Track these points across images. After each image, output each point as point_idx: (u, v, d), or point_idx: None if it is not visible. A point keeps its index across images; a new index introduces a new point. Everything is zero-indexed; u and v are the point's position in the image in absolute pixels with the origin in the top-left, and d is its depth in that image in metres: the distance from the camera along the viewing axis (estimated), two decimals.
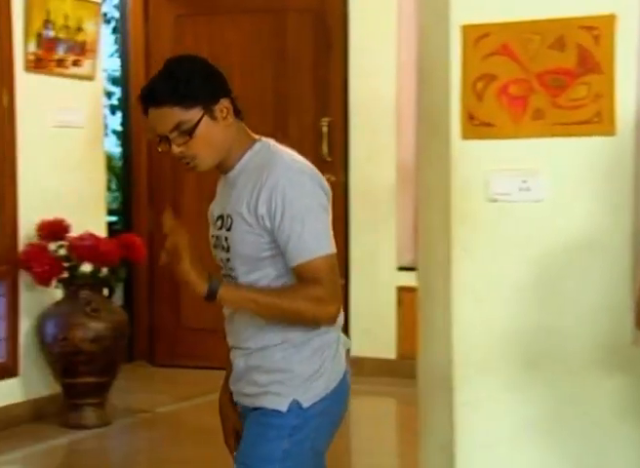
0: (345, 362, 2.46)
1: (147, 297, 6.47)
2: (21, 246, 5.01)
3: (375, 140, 5.86)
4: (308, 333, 2.36)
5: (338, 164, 6.02)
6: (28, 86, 4.98)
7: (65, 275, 4.97)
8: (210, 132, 2.35)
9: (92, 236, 4.96)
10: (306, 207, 2.31)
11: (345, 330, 6.18)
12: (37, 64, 5.05)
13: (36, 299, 5.05)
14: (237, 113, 2.41)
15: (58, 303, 5.03)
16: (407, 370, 5.49)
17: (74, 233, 4.99)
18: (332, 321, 2.36)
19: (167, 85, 2.34)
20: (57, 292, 5.04)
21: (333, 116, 6.02)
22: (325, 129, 6.00)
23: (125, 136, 6.69)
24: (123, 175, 6.79)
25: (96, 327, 4.90)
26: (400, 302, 5.78)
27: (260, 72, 6.09)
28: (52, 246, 4.96)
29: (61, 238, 4.99)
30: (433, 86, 2.99)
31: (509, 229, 2.87)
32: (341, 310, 2.41)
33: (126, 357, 5.53)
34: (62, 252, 4.96)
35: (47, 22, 5.06)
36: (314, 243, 2.32)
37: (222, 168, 2.43)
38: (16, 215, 5.01)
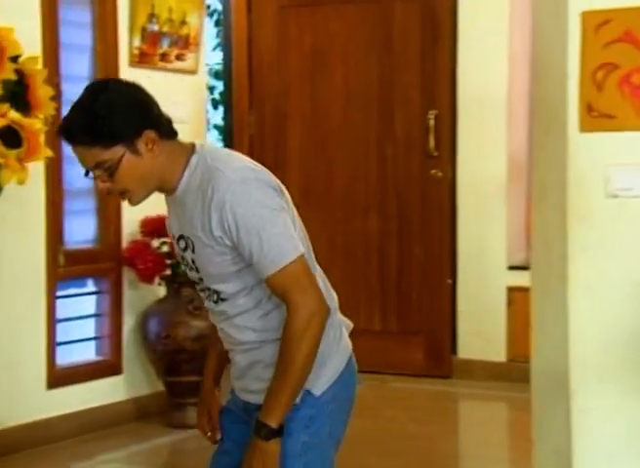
0: (349, 343, 2.43)
1: None
2: (125, 243, 5.10)
3: (484, 134, 5.79)
4: None
5: (445, 158, 5.95)
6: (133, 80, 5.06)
7: (168, 272, 5.05)
8: (134, 167, 2.28)
9: None
10: (258, 217, 2.26)
11: (453, 330, 6.18)
12: (141, 59, 5.13)
13: (139, 297, 5.14)
14: (169, 134, 2.34)
15: (160, 301, 5.12)
16: (518, 374, 5.45)
17: None
18: (325, 313, 2.29)
19: (83, 123, 2.27)
20: (159, 290, 5.12)
21: (440, 109, 5.94)
22: (432, 122, 5.93)
23: (226, 131, 6.75)
24: None
25: (198, 325, 4.95)
26: (510, 303, 5.70)
27: (364, 63, 6.08)
28: (155, 243, 5.04)
29: (164, 235, 5.07)
30: (549, 76, 2.93)
31: (631, 226, 2.80)
32: (332, 291, 2.42)
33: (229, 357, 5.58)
34: (165, 248, 5.03)
35: (151, 16, 5.15)
36: (277, 253, 2.27)
37: (165, 191, 2.38)
38: (119, 213, 5.11)
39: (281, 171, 6.17)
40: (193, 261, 2.38)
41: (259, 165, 2.39)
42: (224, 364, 2.57)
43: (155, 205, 4.96)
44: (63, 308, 4.88)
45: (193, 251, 2.36)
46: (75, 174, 4.96)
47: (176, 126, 2.37)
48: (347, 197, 6.14)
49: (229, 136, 6.65)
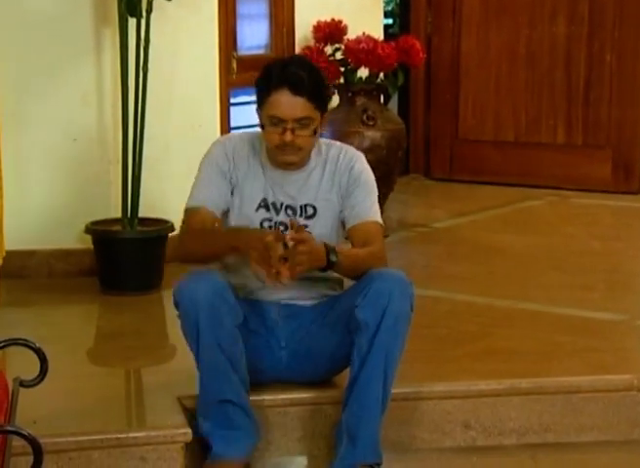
0: None
1: (425, 106, 6.45)
2: (297, 48, 5.09)
3: None
4: None
5: None
6: None
7: (341, 80, 5.03)
8: (316, 137, 2.78)
9: (369, 39, 4.95)
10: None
11: None
12: None
13: None
14: None
15: (333, 110, 5.11)
16: None
17: (351, 35, 5.01)
18: None
19: (314, 81, 2.71)
20: (334, 99, 5.12)
21: None
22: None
23: None
24: None
25: (372, 136, 4.96)
26: None
27: None
28: (328, 49, 5.01)
29: (338, 40, 5.03)
30: None
31: None
32: None
33: (402, 169, 5.59)
34: (339, 55, 5.00)
35: None
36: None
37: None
38: (292, 17, 5.08)
39: None
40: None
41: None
42: None
43: (328, 8, 4.95)
44: (237, 116, 4.96)
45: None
46: None
47: None
48: None
49: None
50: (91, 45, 4.22)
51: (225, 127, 4.79)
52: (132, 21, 3.99)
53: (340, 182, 2.80)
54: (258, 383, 2.80)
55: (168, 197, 4.28)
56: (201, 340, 2.61)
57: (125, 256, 4.05)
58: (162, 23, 4.16)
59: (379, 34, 5.36)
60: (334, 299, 2.83)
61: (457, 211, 5.58)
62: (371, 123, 5.00)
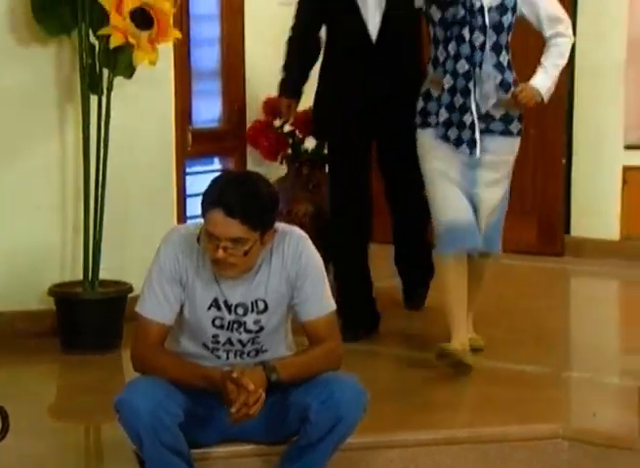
0: None
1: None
2: (249, 122, 5.13)
3: (604, 15, 5.55)
4: None
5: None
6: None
7: (289, 151, 5.07)
8: (255, 252, 2.62)
9: None
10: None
11: (567, 210, 6.08)
12: None
13: (263, 174, 5.17)
14: None
15: (282, 179, 5.14)
16: (631, 252, 5.35)
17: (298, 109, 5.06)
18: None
19: (250, 204, 2.55)
20: (282, 168, 5.16)
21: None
22: None
23: None
24: None
25: (318, 202, 4.99)
26: (625, 182, 5.56)
27: None
28: (277, 122, 5.06)
29: None
30: None
31: None
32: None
33: None
34: (287, 128, 5.05)
35: None
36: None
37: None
38: (243, 93, 5.13)
39: None
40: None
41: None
42: None
43: (276, 84, 5.01)
44: (192, 184, 4.97)
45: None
46: (201, 55, 5.00)
47: None
48: None
49: None
50: (55, 120, 4.22)
51: (181, 194, 4.80)
52: (93, 98, 4.00)
53: (288, 275, 2.70)
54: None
55: (127, 260, 4.26)
56: (144, 445, 2.58)
57: (86, 317, 4.02)
58: (122, 100, 4.17)
59: None
60: (285, 391, 2.71)
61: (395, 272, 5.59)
62: (316, 191, 5.04)
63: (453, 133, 3.65)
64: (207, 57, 5.04)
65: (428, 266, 4.39)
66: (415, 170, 3.86)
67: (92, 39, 3.93)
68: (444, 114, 3.65)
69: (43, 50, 4.13)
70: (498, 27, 3.59)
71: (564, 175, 5.75)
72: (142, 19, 3.80)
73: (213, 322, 2.71)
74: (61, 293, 4.06)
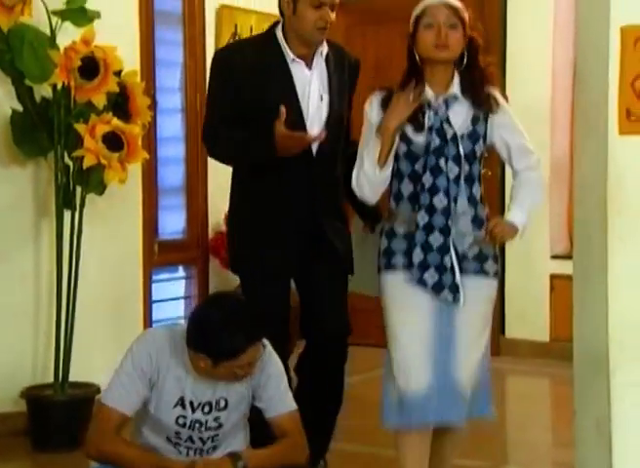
0: None
1: None
2: (211, 234, 5.14)
3: (530, 138, 5.68)
4: None
5: (494, 159, 5.78)
6: None
7: None
8: None
9: None
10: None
11: (502, 314, 6.07)
12: None
13: (223, 281, 5.17)
14: None
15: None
16: (560, 353, 5.36)
17: None
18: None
19: (260, 324, 2.64)
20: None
21: None
22: None
23: None
24: None
25: None
26: (553, 289, 5.62)
27: None
28: None
29: None
30: (591, 85, 2.87)
31: None
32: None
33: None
34: None
35: (234, 34, 5.18)
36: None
37: None
38: (206, 208, 5.15)
39: None
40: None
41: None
42: None
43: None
44: (158, 291, 4.94)
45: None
46: (167, 173, 5.03)
47: None
48: None
49: None
50: (31, 233, 4.21)
51: (147, 300, 4.76)
52: (67, 213, 3.99)
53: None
54: None
55: (95, 362, 4.19)
56: None
57: (55, 417, 3.93)
58: (93, 214, 4.17)
59: None
60: None
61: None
62: None
63: (431, 277, 2.91)
64: (172, 174, 5.07)
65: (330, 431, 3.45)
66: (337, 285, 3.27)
67: (66, 160, 3.95)
68: (419, 255, 2.92)
69: (21, 170, 4.15)
70: (470, 157, 3.00)
71: (498, 282, 5.80)
72: (114, 141, 3.84)
73: (176, 420, 2.66)
74: (33, 396, 3.98)
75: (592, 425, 2.84)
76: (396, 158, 2.99)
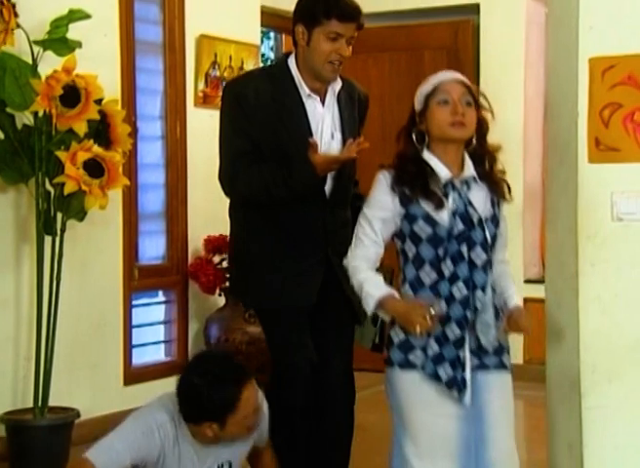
0: None
1: None
2: (190, 259, 5.14)
3: (504, 166, 5.75)
4: None
5: None
6: (197, 119, 5.12)
7: (227, 284, 5.07)
8: None
9: None
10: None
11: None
12: (205, 100, 5.19)
13: (202, 306, 5.17)
14: None
15: (220, 309, 5.14)
16: (533, 375, 5.38)
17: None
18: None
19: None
20: (220, 300, 5.15)
21: None
22: None
23: None
24: None
25: (252, 331, 4.97)
26: (526, 312, 5.65)
27: (398, 105, 6.07)
28: (216, 259, 5.08)
29: (224, 252, 5.10)
30: (561, 115, 2.92)
31: (634, 246, 2.78)
32: None
33: None
34: (225, 264, 5.06)
35: (214, 64, 5.21)
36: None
37: None
38: (185, 233, 5.15)
39: None
40: None
41: None
42: None
43: (216, 224, 5.05)
44: (138, 315, 4.93)
45: None
46: (147, 199, 5.03)
47: None
48: None
49: None
50: (12, 258, 4.19)
51: (127, 324, 4.75)
52: (48, 239, 3.98)
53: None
54: None
55: (75, 386, 4.17)
56: None
57: (34, 442, 3.89)
58: (74, 239, 4.17)
59: None
60: None
61: None
62: (252, 320, 5.02)
63: (445, 372, 2.61)
64: (153, 200, 5.07)
65: None
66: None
67: (47, 186, 3.95)
68: (434, 348, 2.62)
69: (2, 196, 4.14)
70: (492, 242, 2.70)
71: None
72: (94, 168, 3.83)
73: None
74: (12, 421, 3.94)
75: (565, 448, 2.86)
76: (414, 241, 2.65)
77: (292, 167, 2.94)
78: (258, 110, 2.98)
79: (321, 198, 3.07)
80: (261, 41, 5.94)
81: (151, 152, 5.03)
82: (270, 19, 5.93)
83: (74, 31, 3.97)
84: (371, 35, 6.24)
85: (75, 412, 3.96)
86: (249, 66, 5.37)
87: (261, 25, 5.72)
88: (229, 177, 3.05)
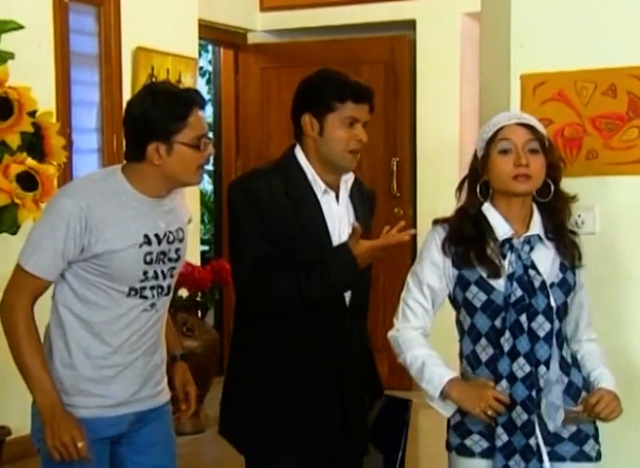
0: None
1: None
2: None
3: (439, 177, 5.81)
4: None
5: (406, 199, 6.01)
6: None
7: None
8: None
9: (187, 264, 5.00)
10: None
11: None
12: None
13: None
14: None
15: None
16: None
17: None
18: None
19: None
20: None
21: (401, 156, 6.02)
22: (394, 167, 6.00)
23: (216, 175, 6.76)
24: (215, 209, 6.85)
25: (190, 345, 4.93)
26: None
27: None
28: None
29: None
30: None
31: None
32: None
33: (217, 371, 5.53)
34: None
35: (151, 76, 5.16)
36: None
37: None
38: None
39: None
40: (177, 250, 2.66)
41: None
42: None
43: None
44: None
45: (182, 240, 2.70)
46: None
47: None
48: None
49: (218, 180, 6.66)
50: None
51: None
52: None
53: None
54: None
55: (9, 405, 4.07)
56: None
57: None
58: (6, 253, 4.03)
59: (196, 260, 5.42)
60: None
61: None
62: (189, 334, 4.98)
63: (517, 464, 2.27)
64: None
65: None
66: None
67: None
68: (503, 437, 2.28)
69: None
70: (562, 312, 2.34)
71: None
72: (28, 181, 3.76)
73: (144, 258, 2.46)
74: None
75: None
76: (469, 310, 2.35)
77: (325, 262, 2.52)
78: (273, 212, 2.57)
79: (340, 311, 2.66)
80: (199, 54, 5.90)
81: (87, 165, 4.96)
82: (208, 32, 5.91)
83: (6, 42, 3.89)
84: (309, 49, 6.29)
85: (7, 430, 3.86)
86: (187, 79, 5.33)
87: (199, 38, 5.68)
88: (256, 286, 2.58)
